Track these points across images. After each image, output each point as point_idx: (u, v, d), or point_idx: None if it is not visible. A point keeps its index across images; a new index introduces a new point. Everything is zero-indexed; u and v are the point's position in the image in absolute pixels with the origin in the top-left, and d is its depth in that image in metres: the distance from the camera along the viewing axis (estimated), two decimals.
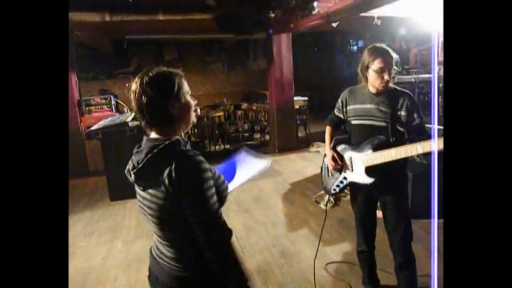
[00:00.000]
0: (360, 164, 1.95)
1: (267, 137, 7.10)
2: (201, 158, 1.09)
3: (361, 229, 2.18)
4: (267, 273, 2.68)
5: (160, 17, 4.96)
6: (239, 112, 7.42)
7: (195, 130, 6.87)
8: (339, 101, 2.12)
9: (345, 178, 2.07)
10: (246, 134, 7.60)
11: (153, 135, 1.15)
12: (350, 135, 2.07)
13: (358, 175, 1.97)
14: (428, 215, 2.19)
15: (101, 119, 5.07)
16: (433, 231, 1.21)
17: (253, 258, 2.90)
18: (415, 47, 9.11)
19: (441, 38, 1.60)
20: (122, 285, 2.64)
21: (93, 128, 4.45)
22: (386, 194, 2.00)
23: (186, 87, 1.17)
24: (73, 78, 5.70)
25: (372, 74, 1.87)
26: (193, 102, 1.19)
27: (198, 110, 1.24)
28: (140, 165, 1.09)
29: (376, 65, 1.83)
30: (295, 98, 6.81)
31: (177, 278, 1.16)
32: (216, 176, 1.15)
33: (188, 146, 1.14)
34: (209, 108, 8.01)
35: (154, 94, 1.08)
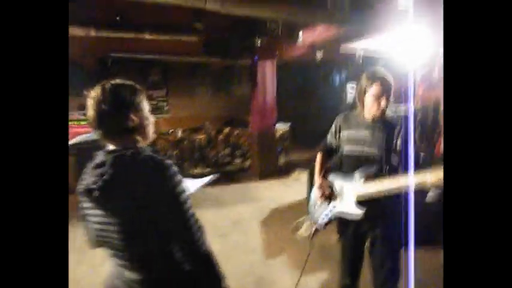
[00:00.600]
0: (350, 194, 1.84)
1: (247, 163, 7.05)
2: (170, 161, 1.06)
3: (348, 262, 2.05)
4: None
5: (147, 36, 4.92)
6: (220, 136, 7.37)
7: (174, 152, 6.73)
8: (333, 126, 2.02)
9: (334, 207, 1.95)
10: (227, 159, 7.49)
11: (111, 147, 1.10)
12: (341, 163, 1.97)
13: (348, 206, 1.86)
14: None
15: (79, 134, 4.96)
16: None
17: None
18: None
19: (418, 77, 1.70)
20: None
21: (69, 143, 4.29)
22: (377, 227, 1.87)
23: (146, 103, 1.16)
24: None
25: (368, 99, 1.78)
26: (152, 118, 1.17)
27: (152, 129, 1.19)
28: (106, 178, 1.01)
29: (373, 89, 1.75)
30: (277, 125, 6.83)
31: None
32: None
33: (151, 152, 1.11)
34: (191, 131, 7.93)
35: (115, 101, 1.06)
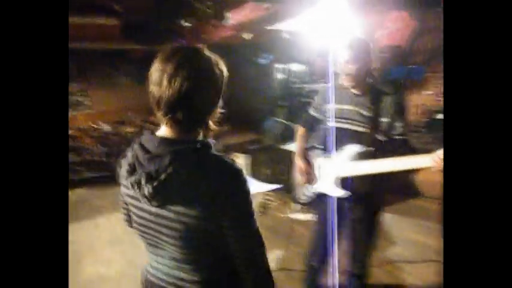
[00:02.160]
0: (332, 174, 1.73)
1: None
2: (238, 164, 0.96)
3: (319, 241, 1.95)
4: None
5: None
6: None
7: (102, 149, 6.34)
8: (316, 98, 1.88)
9: (315, 187, 1.86)
10: None
11: (166, 133, 0.95)
12: (326, 139, 1.82)
13: (328, 185, 1.77)
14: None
15: None
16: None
17: None
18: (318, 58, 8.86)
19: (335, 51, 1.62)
20: None
21: None
22: (357, 207, 1.78)
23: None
24: None
25: (343, 68, 1.65)
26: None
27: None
28: (164, 177, 0.87)
29: (345, 55, 1.62)
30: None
31: None
32: None
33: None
34: (118, 124, 7.33)
35: (207, 80, 0.93)
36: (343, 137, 1.72)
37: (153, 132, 0.98)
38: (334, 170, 1.73)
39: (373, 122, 1.65)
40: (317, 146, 1.88)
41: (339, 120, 1.74)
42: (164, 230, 0.94)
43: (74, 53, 7.63)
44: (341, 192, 1.71)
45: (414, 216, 3.65)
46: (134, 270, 2.35)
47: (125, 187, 1.00)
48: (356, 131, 1.69)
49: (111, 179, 3.78)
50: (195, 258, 0.98)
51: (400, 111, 1.67)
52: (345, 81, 1.67)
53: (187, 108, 0.90)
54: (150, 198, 0.90)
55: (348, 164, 1.67)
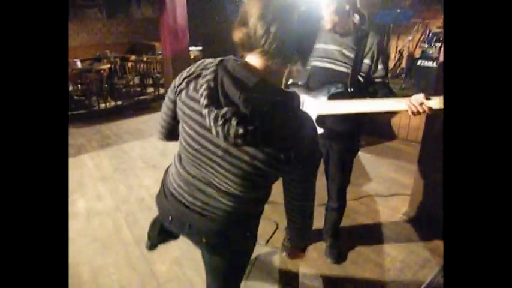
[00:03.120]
0: (311, 112, 1.72)
1: (162, 91, 6.78)
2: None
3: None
4: None
5: None
6: (129, 64, 6.71)
7: (79, 86, 6.10)
8: None
9: None
10: (138, 89, 6.98)
11: (256, 63, 0.86)
12: (308, 78, 1.80)
13: None
14: None
15: None
16: None
17: None
18: None
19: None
20: None
21: None
22: (334, 146, 1.86)
23: None
24: None
25: (324, 10, 1.62)
26: None
27: None
28: (258, 124, 0.81)
29: None
30: (190, 48, 6.47)
31: (222, 224, 1.03)
32: None
33: None
34: (92, 61, 6.52)
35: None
36: (325, 76, 1.72)
37: (246, 63, 0.87)
38: (315, 108, 1.73)
39: (355, 63, 1.66)
40: (300, 83, 1.85)
41: (321, 59, 1.73)
42: (226, 166, 0.92)
43: None
44: (320, 130, 1.72)
45: (389, 157, 3.87)
46: (122, 204, 2.84)
47: (186, 106, 0.93)
48: (337, 71, 1.69)
49: (89, 117, 4.72)
50: (238, 194, 0.98)
51: (383, 54, 1.70)
52: (328, 25, 1.67)
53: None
54: (234, 138, 0.83)
55: (327, 103, 1.70)
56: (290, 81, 1.87)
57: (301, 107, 0.92)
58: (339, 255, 2.25)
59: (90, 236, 2.56)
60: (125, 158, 4.00)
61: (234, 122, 0.82)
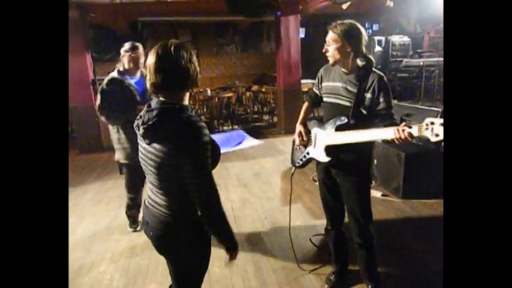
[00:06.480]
0: (321, 142, 1.94)
1: (276, 119, 7.19)
2: (203, 124, 1.25)
3: (324, 207, 2.17)
4: (256, 240, 2.85)
5: None
6: (248, 94, 7.49)
7: (204, 110, 7.10)
8: (317, 77, 2.10)
9: (308, 153, 2.06)
10: (255, 116, 7.69)
11: (162, 98, 1.26)
12: (324, 112, 2.05)
13: (318, 152, 1.96)
14: (420, 195, 2.87)
15: None
16: None
17: (245, 227, 3.07)
18: (431, 30, 8.98)
19: None
20: (124, 245, 2.88)
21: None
22: (344, 176, 1.97)
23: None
24: (87, 58, 5.74)
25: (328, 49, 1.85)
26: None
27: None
28: (151, 123, 1.22)
29: (327, 37, 1.83)
30: (304, 81, 6.76)
31: (163, 223, 1.33)
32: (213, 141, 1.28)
33: (193, 112, 1.28)
34: (220, 89, 7.87)
35: (180, 58, 1.20)
36: (333, 110, 1.93)
37: (158, 97, 1.29)
38: (324, 138, 1.95)
39: (357, 97, 1.81)
40: (317, 117, 2.13)
41: (329, 95, 1.95)
42: (149, 161, 1.29)
43: (186, 25, 9.12)
44: (328, 159, 1.91)
45: None
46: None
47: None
48: (342, 105, 1.87)
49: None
50: (165, 186, 1.30)
51: (384, 89, 1.79)
52: (331, 61, 1.88)
53: (168, 78, 1.21)
54: (143, 137, 1.27)
55: (334, 134, 1.89)
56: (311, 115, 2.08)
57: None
58: None
59: None
60: (224, 174, 4.48)
61: (140, 123, 1.27)
